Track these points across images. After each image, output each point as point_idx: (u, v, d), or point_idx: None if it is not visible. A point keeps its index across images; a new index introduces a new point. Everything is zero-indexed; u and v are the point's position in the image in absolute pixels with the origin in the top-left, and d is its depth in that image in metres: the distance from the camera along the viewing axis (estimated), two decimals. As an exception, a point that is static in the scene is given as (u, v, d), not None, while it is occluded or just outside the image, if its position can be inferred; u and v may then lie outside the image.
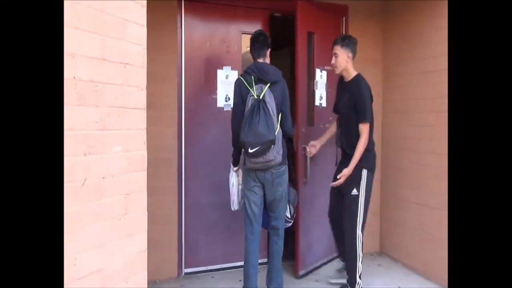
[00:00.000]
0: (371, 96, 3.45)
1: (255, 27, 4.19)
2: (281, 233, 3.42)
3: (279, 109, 3.20)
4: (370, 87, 3.44)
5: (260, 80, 3.19)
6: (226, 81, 4.07)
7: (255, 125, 3.01)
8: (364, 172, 3.36)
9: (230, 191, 3.47)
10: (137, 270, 2.03)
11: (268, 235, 3.57)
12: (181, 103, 3.93)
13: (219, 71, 4.06)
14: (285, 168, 3.30)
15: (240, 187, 3.42)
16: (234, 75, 4.10)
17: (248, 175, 3.30)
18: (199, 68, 4.01)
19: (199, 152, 4.02)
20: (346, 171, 3.37)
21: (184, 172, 3.97)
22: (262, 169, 3.20)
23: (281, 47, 6.62)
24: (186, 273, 3.99)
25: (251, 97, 3.13)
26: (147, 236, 2.10)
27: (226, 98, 4.07)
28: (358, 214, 3.37)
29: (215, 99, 4.05)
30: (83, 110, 1.68)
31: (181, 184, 3.96)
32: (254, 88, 3.16)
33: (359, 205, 3.37)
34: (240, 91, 3.23)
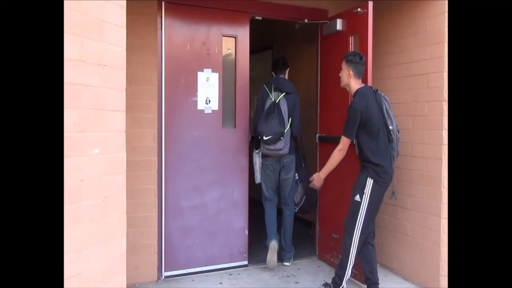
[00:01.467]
0: (371, 109, 3.29)
1: (236, 29, 4.21)
2: (291, 207, 4.37)
3: (290, 115, 4.09)
4: (366, 100, 3.30)
5: (278, 89, 4.15)
6: (206, 84, 4.07)
7: (270, 120, 3.99)
8: (369, 181, 3.32)
9: (254, 168, 4.34)
10: (116, 273, 2.01)
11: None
12: (161, 105, 3.91)
13: (199, 74, 4.05)
14: (292, 157, 4.25)
15: (261, 165, 4.32)
16: (214, 77, 4.10)
17: (266, 163, 4.25)
18: (180, 70, 3.99)
19: (179, 154, 4.01)
20: (315, 175, 3.65)
21: (164, 175, 3.95)
22: (275, 157, 4.16)
23: (263, 49, 6.66)
24: (166, 277, 3.96)
25: (269, 100, 4.11)
26: (126, 239, 2.08)
27: (206, 100, 4.07)
28: (358, 220, 3.35)
29: (196, 102, 4.04)
30: (61, 112, 1.66)
31: (161, 187, 3.93)
32: (273, 94, 4.13)
33: (360, 211, 3.34)
34: (263, 95, 4.21)
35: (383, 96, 3.43)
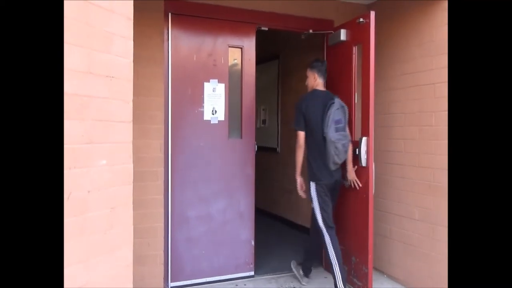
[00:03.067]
0: (303, 107, 3.77)
1: (242, 40, 4.23)
2: None
3: None
4: (309, 99, 3.82)
5: None
6: (213, 94, 4.09)
7: None
8: (312, 185, 3.76)
9: None
10: (123, 284, 2.01)
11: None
12: (168, 116, 3.93)
13: (206, 84, 4.07)
14: None
15: None
16: (221, 88, 4.12)
17: None
18: (186, 80, 4.01)
19: (185, 165, 4.02)
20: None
21: (171, 185, 3.95)
22: None
23: (269, 59, 6.69)
24: (172, 287, 3.95)
25: None
26: (133, 249, 2.08)
27: (212, 111, 4.08)
28: (320, 224, 3.71)
29: (202, 112, 4.06)
30: (68, 123, 1.67)
31: (168, 197, 3.94)
32: None
33: (316, 216, 3.74)
34: None
35: (341, 105, 3.72)
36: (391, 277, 4.18)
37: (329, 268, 4.34)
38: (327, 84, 4.49)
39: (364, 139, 3.69)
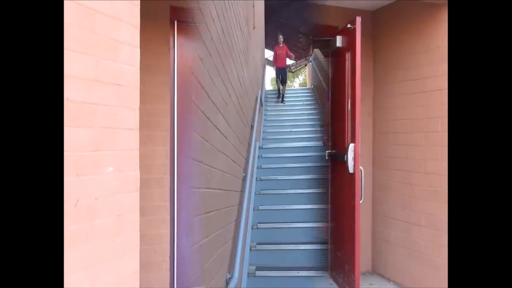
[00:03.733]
0: None
1: (247, 47, 4.25)
2: None
3: None
4: None
5: None
6: (218, 101, 4.10)
7: None
8: None
9: None
10: (129, 291, 2.01)
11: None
12: (174, 123, 3.94)
13: (211, 91, 4.09)
14: None
15: None
16: (226, 94, 4.13)
17: None
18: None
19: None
20: None
21: (177, 192, 3.95)
22: None
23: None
24: (178, 294, 3.94)
25: None
26: (139, 256, 2.08)
27: (218, 117, 4.09)
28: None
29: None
30: (76, 131, 1.68)
31: (173, 204, 3.94)
32: None
33: None
34: None
35: None
36: (396, 283, 4.16)
37: (332, 274, 4.34)
38: (331, 92, 4.52)
39: (351, 145, 3.69)
